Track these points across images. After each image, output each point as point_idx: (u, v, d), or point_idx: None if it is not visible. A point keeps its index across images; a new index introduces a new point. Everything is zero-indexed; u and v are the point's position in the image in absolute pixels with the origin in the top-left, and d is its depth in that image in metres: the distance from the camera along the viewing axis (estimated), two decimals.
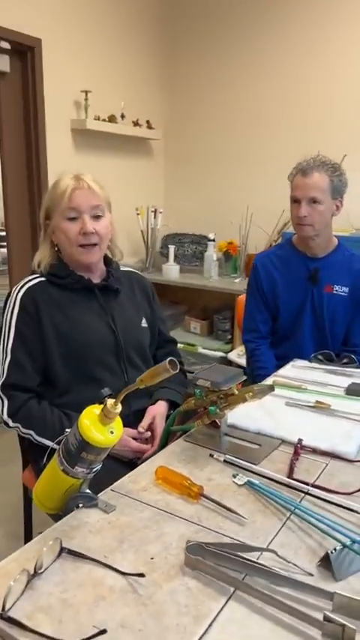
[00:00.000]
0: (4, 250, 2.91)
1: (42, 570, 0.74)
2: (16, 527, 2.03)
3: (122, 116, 3.22)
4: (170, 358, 0.83)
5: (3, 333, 1.32)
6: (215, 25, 3.42)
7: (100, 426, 0.86)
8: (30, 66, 2.73)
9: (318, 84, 3.13)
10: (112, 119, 3.15)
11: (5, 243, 2.87)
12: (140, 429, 1.34)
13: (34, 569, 0.74)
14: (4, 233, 2.87)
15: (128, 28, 3.32)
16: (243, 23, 3.32)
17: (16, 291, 1.34)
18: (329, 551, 0.75)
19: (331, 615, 0.65)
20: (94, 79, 3.10)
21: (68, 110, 2.98)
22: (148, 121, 3.45)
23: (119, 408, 0.86)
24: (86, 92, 2.94)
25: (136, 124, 3.35)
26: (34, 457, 1.39)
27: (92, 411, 0.87)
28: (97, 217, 1.34)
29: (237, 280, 3.29)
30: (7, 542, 1.97)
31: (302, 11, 3.10)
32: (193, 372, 1.17)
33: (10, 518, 2.10)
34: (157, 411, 1.39)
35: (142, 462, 1.11)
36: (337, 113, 3.09)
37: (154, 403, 1.43)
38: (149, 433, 1.36)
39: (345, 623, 0.63)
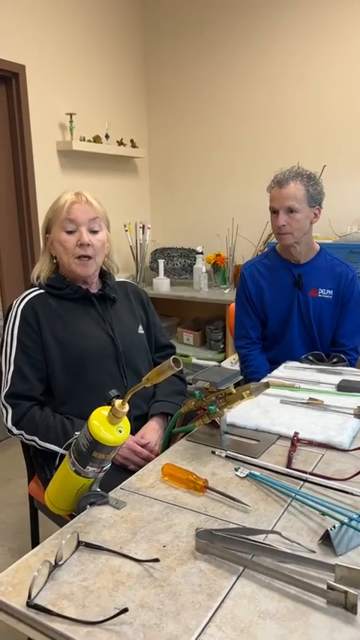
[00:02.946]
0: None
1: (62, 562, 0.79)
2: (21, 544, 2.06)
3: (107, 136, 3.32)
4: (174, 357, 0.89)
5: (5, 345, 1.37)
6: (196, 43, 3.55)
7: (109, 425, 0.91)
8: (15, 91, 2.81)
9: (300, 99, 3.26)
10: (97, 139, 3.24)
11: None
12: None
13: (55, 561, 0.78)
14: None
15: (110, 50, 3.44)
16: (224, 41, 3.46)
17: (17, 304, 1.39)
18: (329, 529, 0.81)
19: (334, 584, 0.70)
20: (78, 101, 3.20)
21: (54, 132, 3.07)
22: (132, 140, 3.55)
23: (127, 407, 0.91)
24: (71, 114, 3.03)
25: (120, 143, 3.44)
26: (39, 466, 1.43)
27: (101, 413, 0.93)
28: (94, 232, 1.40)
29: (226, 291, 3.37)
30: (14, 559, 2.00)
31: (283, 27, 3.24)
32: (191, 384, 1.23)
33: (15, 535, 2.12)
34: (145, 429, 1.42)
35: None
36: (318, 126, 3.21)
37: (150, 417, 1.46)
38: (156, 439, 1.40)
39: (347, 589, 0.69)
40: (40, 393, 1.36)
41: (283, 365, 1.75)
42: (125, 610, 0.69)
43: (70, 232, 1.38)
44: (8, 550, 2.03)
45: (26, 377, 1.34)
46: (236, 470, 1.05)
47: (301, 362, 1.75)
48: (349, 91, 3.09)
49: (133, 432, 1.41)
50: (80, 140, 3.12)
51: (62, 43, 3.06)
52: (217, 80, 3.52)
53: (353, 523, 0.83)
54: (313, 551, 0.81)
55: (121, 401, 0.91)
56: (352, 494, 0.95)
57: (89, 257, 1.39)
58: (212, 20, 3.45)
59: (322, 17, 3.08)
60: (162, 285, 3.50)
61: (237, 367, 2.51)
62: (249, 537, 0.81)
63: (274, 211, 1.82)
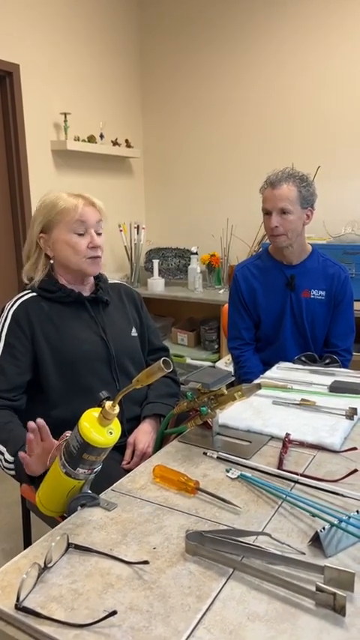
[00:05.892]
0: None
1: (51, 564, 0.79)
2: (13, 545, 2.05)
3: (101, 136, 3.31)
4: (164, 358, 0.89)
5: None
6: (192, 43, 3.55)
7: (99, 427, 0.91)
8: (9, 90, 2.80)
9: (295, 100, 3.26)
10: (91, 139, 3.24)
11: None
12: (124, 463, 1.38)
13: (44, 563, 0.78)
14: None
15: (105, 50, 3.43)
16: (220, 42, 3.45)
17: (9, 307, 1.39)
18: (319, 530, 0.81)
19: (323, 585, 0.70)
20: (73, 101, 3.19)
21: (48, 132, 3.06)
22: (127, 140, 3.55)
23: (117, 409, 0.91)
24: (65, 114, 3.02)
25: (115, 143, 3.44)
26: None
27: (91, 414, 0.93)
28: (98, 233, 1.42)
29: (221, 291, 3.37)
30: (6, 561, 2.00)
31: (279, 28, 3.24)
32: (183, 384, 1.23)
33: (8, 536, 2.11)
34: (138, 432, 1.42)
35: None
36: (313, 127, 3.21)
37: (142, 419, 1.46)
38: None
39: (336, 591, 0.69)
40: (17, 397, 1.33)
41: (276, 366, 1.76)
42: (114, 613, 0.68)
43: (80, 234, 1.39)
44: (1, 551, 2.03)
45: (7, 377, 1.31)
46: (227, 471, 1.05)
47: (293, 363, 1.76)
48: (344, 92, 3.09)
49: (127, 433, 1.41)
50: (75, 140, 3.12)
51: (57, 42, 3.05)
52: (213, 81, 3.51)
53: (343, 525, 0.83)
54: (303, 553, 0.81)
55: (111, 402, 0.91)
56: (342, 495, 0.96)
57: (98, 256, 1.43)
58: (208, 20, 3.45)
59: (317, 20, 3.09)
60: (156, 285, 3.49)
61: (231, 368, 2.51)
62: (239, 539, 0.81)
63: (267, 212, 1.83)
